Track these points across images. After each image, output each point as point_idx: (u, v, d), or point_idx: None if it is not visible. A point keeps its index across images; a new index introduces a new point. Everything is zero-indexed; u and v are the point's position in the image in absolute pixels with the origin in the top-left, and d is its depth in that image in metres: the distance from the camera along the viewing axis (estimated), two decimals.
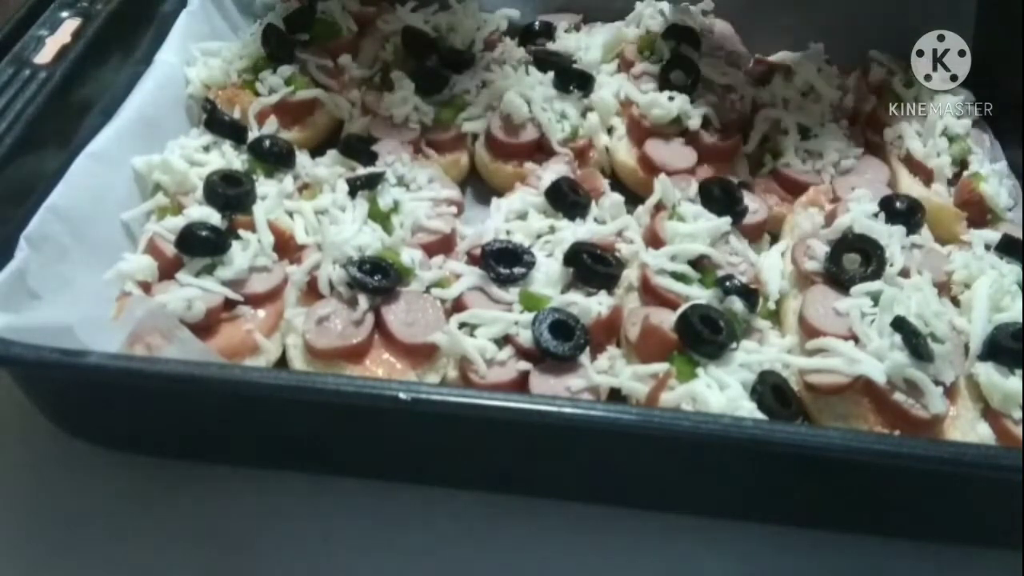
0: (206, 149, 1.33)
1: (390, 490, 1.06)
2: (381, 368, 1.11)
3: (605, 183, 1.38)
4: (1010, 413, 1.09)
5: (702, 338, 1.07)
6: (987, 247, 1.28)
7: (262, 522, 1.04)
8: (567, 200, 1.29)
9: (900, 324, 1.09)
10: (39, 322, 0.98)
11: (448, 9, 1.67)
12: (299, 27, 1.56)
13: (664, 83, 1.50)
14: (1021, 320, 1.15)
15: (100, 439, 1.07)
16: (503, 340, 1.11)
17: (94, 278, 1.14)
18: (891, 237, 1.23)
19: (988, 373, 1.11)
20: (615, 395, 1.10)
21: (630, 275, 1.24)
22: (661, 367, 1.08)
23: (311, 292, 1.18)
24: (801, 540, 1.04)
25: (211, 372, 0.91)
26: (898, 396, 1.06)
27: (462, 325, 1.12)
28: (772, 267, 1.25)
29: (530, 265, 1.18)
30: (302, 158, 1.36)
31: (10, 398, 1.06)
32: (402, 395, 0.87)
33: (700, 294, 1.16)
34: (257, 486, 1.06)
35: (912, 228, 1.27)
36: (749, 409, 1.03)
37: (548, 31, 1.63)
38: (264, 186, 1.28)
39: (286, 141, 1.36)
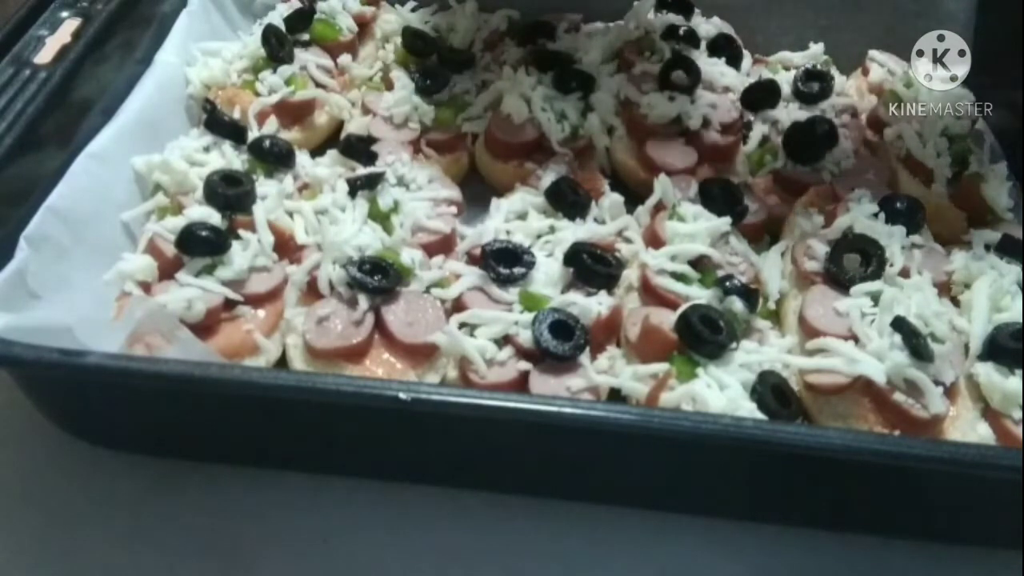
0: (206, 149, 1.32)
1: (390, 490, 1.06)
2: (381, 368, 1.11)
3: (605, 183, 1.38)
4: (1010, 413, 1.09)
5: (702, 338, 1.07)
6: (987, 247, 1.28)
7: (262, 522, 1.04)
8: (567, 200, 1.29)
9: (900, 324, 1.09)
10: (39, 322, 0.98)
11: (448, 9, 1.67)
12: (299, 27, 1.56)
13: (664, 83, 1.50)
14: (1021, 320, 1.15)
15: (100, 439, 1.07)
16: (503, 340, 1.11)
17: (94, 278, 1.14)
18: (891, 237, 1.23)
19: (988, 373, 1.11)
20: (615, 395, 1.10)
21: (630, 275, 1.24)
22: (661, 367, 1.08)
23: (311, 292, 1.17)
24: (801, 540, 1.04)
25: (211, 372, 0.91)
26: (898, 396, 1.06)
27: (462, 325, 1.12)
28: (772, 267, 1.25)
29: (530, 265, 1.18)
30: (302, 158, 1.36)
31: (10, 398, 1.07)
32: (402, 395, 0.87)
33: (700, 294, 1.16)
34: (257, 486, 1.06)
35: (912, 228, 1.27)
36: (749, 409, 1.03)
37: (548, 31, 1.63)
38: (264, 186, 1.27)
39: (286, 141, 1.36)
